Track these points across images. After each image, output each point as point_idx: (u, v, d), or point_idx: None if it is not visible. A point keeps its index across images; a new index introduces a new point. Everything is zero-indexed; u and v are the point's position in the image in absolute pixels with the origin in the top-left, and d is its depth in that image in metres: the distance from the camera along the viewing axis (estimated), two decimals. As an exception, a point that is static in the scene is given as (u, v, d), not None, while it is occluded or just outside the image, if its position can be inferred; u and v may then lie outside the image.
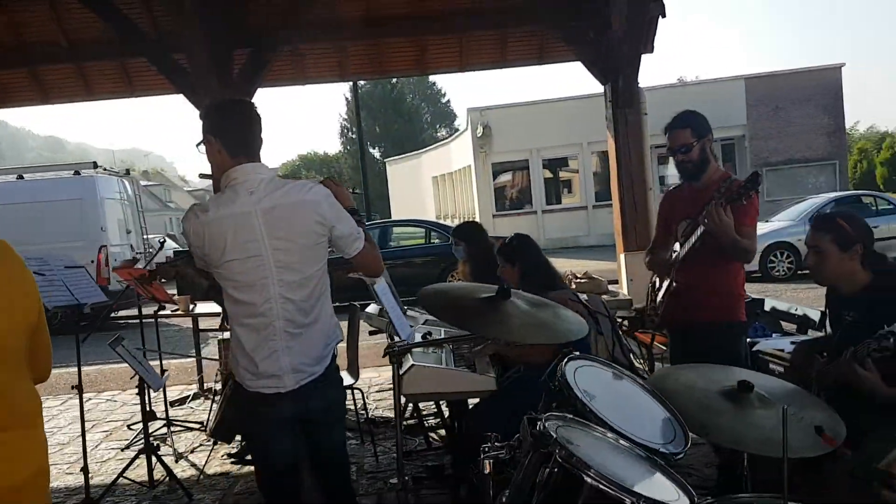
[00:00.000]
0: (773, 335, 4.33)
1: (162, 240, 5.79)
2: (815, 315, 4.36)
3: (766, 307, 5.03)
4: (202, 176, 3.02)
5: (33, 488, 1.78)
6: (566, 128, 22.15)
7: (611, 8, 7.02)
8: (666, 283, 3.57)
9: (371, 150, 46.31)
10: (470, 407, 4.19)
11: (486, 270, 4.99)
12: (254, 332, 2.56)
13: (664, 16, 7.04)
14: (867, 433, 2.39)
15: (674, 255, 3.54)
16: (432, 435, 5.12)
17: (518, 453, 1.85)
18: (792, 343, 3.81)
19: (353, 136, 43.82)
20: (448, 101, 57.23)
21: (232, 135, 2.59)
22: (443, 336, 3.05)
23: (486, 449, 1.92)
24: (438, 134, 50.92)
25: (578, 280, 6.70)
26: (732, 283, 3.49)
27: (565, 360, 2.10)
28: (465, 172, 25.50)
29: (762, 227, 14.16)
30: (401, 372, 3.37)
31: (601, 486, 1.51)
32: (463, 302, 2.31)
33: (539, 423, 1.67)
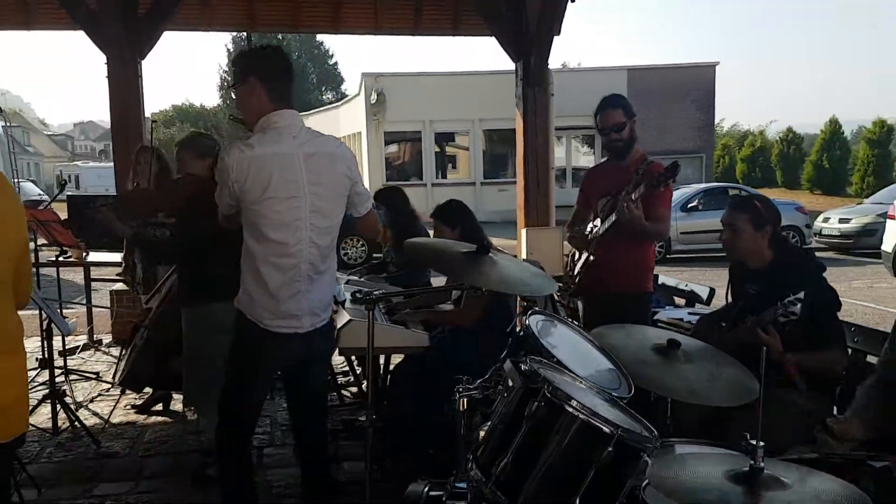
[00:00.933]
0: (667, 307, 4.74)
1: (64, 180, 5.45)
2: (702, 291, 4.80)
3: (659, 282, 5.45)
4: (232, 118, 3.00)
5: (15, 412, 1.79)
6: (460, 103, 22.43)
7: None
8: (584, 256, 3.84)
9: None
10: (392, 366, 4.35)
11: (408, 236, 5.12)
12: (280, 273, 2.63)
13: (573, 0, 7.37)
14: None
15: (593, 231, 3.82)
16: (345, 392, 5.24)
17: (492, 393, 2.02)
18: (690, 314, 4.22)
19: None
20: (336, 63, 56.05)
21: (277, 81, 2.66)
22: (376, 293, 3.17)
23: (461, 389, 2.08)
24: (324, 97, 49.89)
25: (484, 249, 6.96)
26: (644, 258, 3.81)
27: (528, 313, 2.28)
28: (355, 139, 25.28)
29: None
30: (338, 326, 3.49)
31: (582, 417, 1.72)
32: (446, 255, 2.45)
33: (525, 364, 1.85)
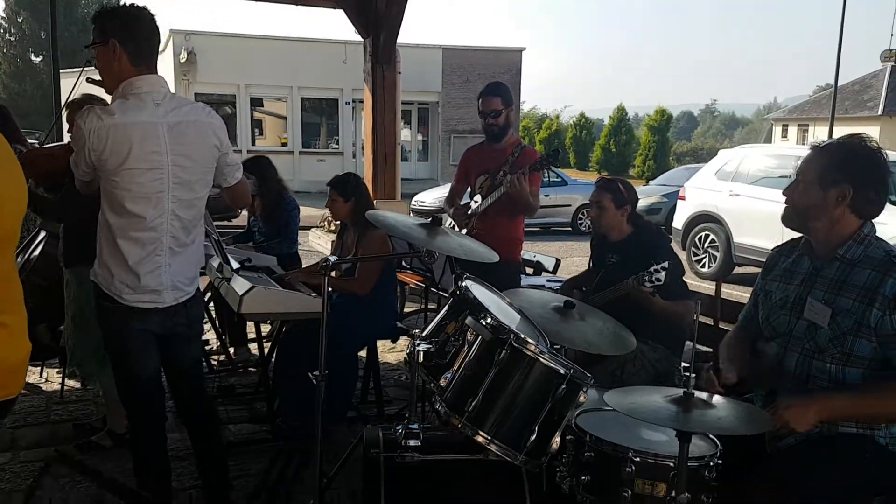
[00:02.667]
0: (523, 276, 5.29)
1: None
2: (549, 262, 5.41)
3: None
4: (91, 81, 2.86)
5: (22, 371, 1.84)
6: (278, 69, 21.97)
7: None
8: (465, 230, 4.24)
9: (34, 57, 40.36)
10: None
11: (275, 204, 5.22)
12: (139, 247, 2.57)
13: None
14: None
15: (474, 206, 4.22)
16: (213, 359, 5.27)
17: (448, 346, 2.34)
18: (550, 281, 4.78)
19: (12, 39, 37.87)
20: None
21: (139, 43, 2.53)
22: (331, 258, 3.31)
23: (417, 343, 2.37)
24: (117, 51, 45.97)
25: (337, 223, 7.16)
26: (517, 231, 4.29)
27: (463, 277, 2.62)
28: (160, 99, 23.79)
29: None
30: (240, 293, 3.60)
31: (543, 360, 2.10)
32: (403, 226, 2.70)
33: (488, 317, 2.19)
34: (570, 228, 15.96)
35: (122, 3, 2.72)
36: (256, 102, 23.93)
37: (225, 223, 8.50)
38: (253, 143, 23.58)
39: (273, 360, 4.40)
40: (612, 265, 3.73)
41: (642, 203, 17.05)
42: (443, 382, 2.24)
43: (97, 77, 2.69)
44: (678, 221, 10.86)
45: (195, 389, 3.02)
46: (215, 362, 5.23)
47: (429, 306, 5.14)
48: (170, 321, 2.72)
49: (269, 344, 4.77)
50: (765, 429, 2.00)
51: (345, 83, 22.71)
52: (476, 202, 4.23)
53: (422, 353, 2.33)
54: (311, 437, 4.03)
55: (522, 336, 2.11)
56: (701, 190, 10.61)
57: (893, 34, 29.70)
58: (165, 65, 22.75)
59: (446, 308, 2.55)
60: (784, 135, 34.36)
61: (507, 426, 2.11)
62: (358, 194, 4.20)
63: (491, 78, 25.37)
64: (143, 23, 2.56)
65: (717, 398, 1.93)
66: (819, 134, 29.95)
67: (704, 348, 4.17)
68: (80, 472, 3.54)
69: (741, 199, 9.78)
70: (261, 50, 22.09)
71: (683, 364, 3.88)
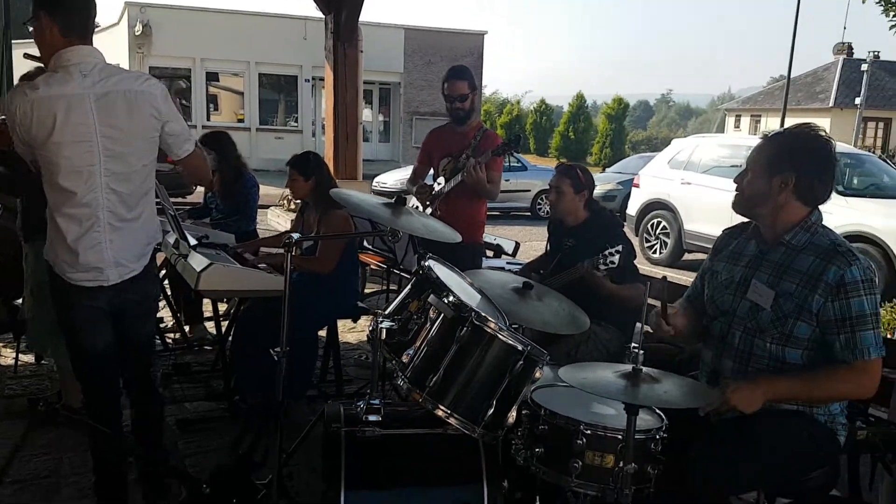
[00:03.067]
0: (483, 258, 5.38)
1: None
2: (508, 245, 5.51)
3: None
4: (28, 56, 2.82)
5: None
6: (235, 43, 21.61)
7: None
8: (429, 211, 4.29)
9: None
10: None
11: (234, 181, 5.20)
12: (76, 223, 2.54)
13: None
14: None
15: (437, 188, 4.28)
16: (168, 337, 5.24)
17: (411, 324, 2.40)
18: (509, 264, 4.87)
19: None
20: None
21: (68, 14, 2.49)
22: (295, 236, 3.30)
23: (381, 321, 2.43)
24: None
25: (298, 201, 7.14)
26: (479, 214, 4.37)
27: (426, 257, 2.67)
28: (112, 71, 23.22)
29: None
30: (198, 269, 3.60)
31: (501, 337, 2.18)
32: (368, 205, 2.74)
33: (450, 296, 2.26)
34: (529, 213, 16.13)
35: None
36: (212, 77, 23.53)
37: (180, 200, 8.43)
38: (208, 119, 23.20)
39: (230, 337, 4.41)
40: (569, 249, 3.82)
41: (598, 190, 17.24)
42: (405, 359, 2.30)
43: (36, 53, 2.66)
44: (632, 208, 11.08)
45: (144, 367, 3.02)
46: (170, 340, 5.20)
47: (390, 287, 5.20)
48: (119, 298, 2.69)
49: (226, 322, 4.76)
50: (708, 402, 2.11)
51: (304, 60, 22.46)
52: (439, 184, 4.29)
53: (384, 330, 2.39)
54: (269, 414, 4.11)
55: (483, 314, 2.18)
56: (654, 178, 10.83)
57: (846, 27, 30.52)
58: (120, 38, 22.24)
59: (409, 287, 2.61)
60: (737, 125, 35.09)
61: (467, 401, 2.19)
62: (318, 173, 4.20)
63: (454, 61, 25.34)
64: None
65: (663, 375, 2.03)
66: (771, 124, 30.67)
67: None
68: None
69: (692, 187, 10.02)
70: (218, 24, 21.69)
71: (633, 344, 4.03)
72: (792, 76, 23.02)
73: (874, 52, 27.97)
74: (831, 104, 29.34)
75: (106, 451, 2.85)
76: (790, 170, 2.26)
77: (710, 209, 9.56)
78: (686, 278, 8.42)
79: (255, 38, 21.78)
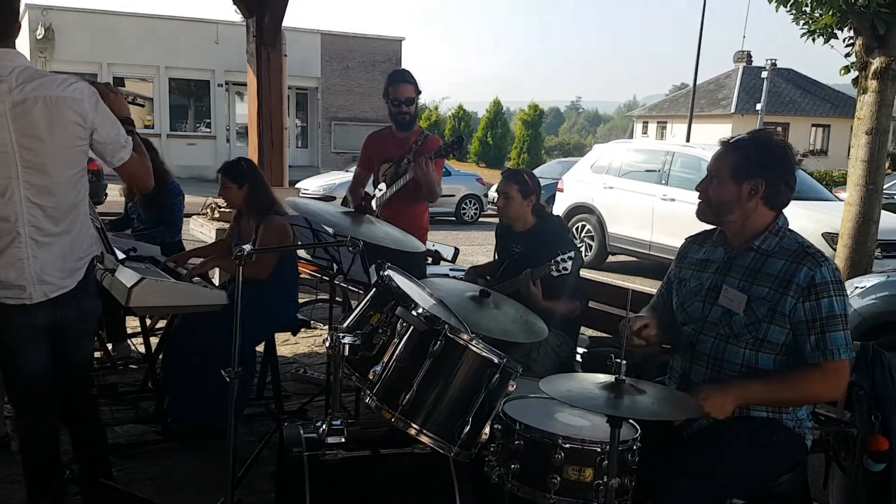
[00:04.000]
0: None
1: None
2: (447, 251, 5.45)
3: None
4: None
5: None
6: (144, 47, 20.79)
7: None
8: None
9: None
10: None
11: (158, 191, 4.91)
12: None
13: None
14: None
15: (378, 194, 4.16)
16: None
17: (376, 338, 2.29)
18: (453, 270, 4.79)
19: None
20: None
21: None
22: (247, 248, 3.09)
23: (342, 336, 2.30)
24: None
25: (222, 209, 6.86)
26: (422, 219, 4.26)
27: (385, 267, 2.56)
28: (10, 76, 21.96)
29: (345, 176, 15.64)
30: (129, 285, 3.37)
31: (477, 350, 2.10)
32: (328, 214, 2.60)
33: (420, 308, 2.15)
34: (454, 218, 16.15)
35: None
36: (118, 83, 22.54)
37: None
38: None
39: (160, 356, 4.16)
40: (517, 255, 3.77)
41: (520, 194, 17.64)
42: (371, 376, 2.18)
43: None
44: (557, 212, 11.21)
45: (83, 388, 2.84)
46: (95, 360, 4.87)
47: (332, 298, 5.03)
48: (57, 314, 2.53)
49: (154, 339, 4.50)
50: (694, 414, 2.08)
51: (217, 64, 21.86)
52: (380, 190, 4.17)
53: (347, 346, 2.26)
54: (204, 436, 3.90)
55: (455, 327, 2.09)
56: (578, 182, 11.02)
57: (745, 36, 32.07)
58: (21, 42, 20.96)
59: (368, 299, 2.49)
60: (644, 131, 36.32)
61: (441, 418, 2.09)
62: (251, 180, 4.02)
63: (372, 66, 25.27)
64: None
65: (645, 385, 1.99)
66: (676, 131, 31.89)
67: (604, 334, 4.34)
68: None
69: (614, 191, 10.24)
70: (126, 27, 20.88)
71: (580, 349, 4.02)
72: (698, 83, 23.97)
73: (771, 59, 29.45)
74: (733, 110, 30.71)
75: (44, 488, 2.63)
76: (759, 176, 2.27)
77: (632, 212, 9.79)
78: (611, 280, 8.56)
79: (165, 43, 21.05)
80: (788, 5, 7.31)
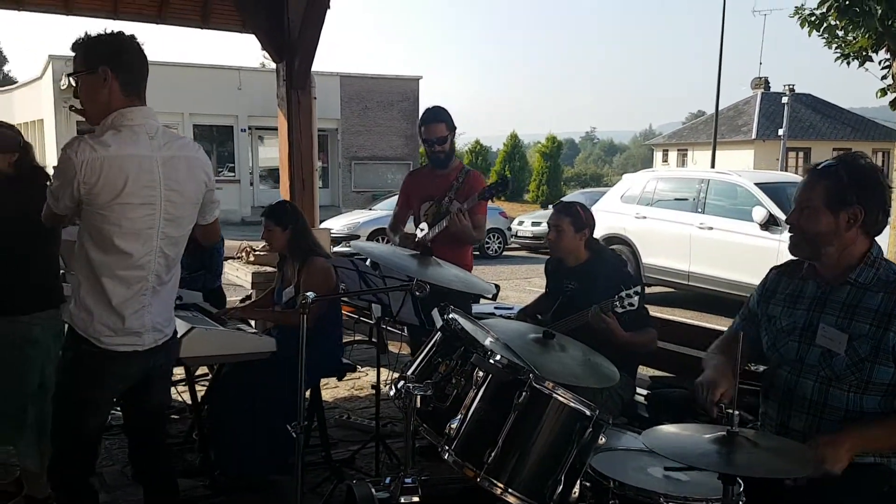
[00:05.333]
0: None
1: None
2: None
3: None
4: (73, 109, 2.58)
5: None
6: (168, 95, 21.05)
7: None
8: None
9: None
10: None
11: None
12: (125, 286, 2.42)
13: (329, 7, 7.50)
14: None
15: (420, 235, 4.04)
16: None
17: (449, 388, 2.15)
18: (497, 308, 4.65)
19: None
20: (-4, 40, 48.91)
21: (131, 72, 2.42)
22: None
23: (410, 387, 2.16)
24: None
25: (258, 252, 6.78)
26: (466, 260, 4.13)
27: (448, 310, 2.43)
28: (35, 127, 22.40)
29: (367, 215, 15.62)
30: (179, 335, 3.26)
31: (566, 400, 1.94)
32: (394, 256, 2.49)
33: (497, 355, 2.01)
34: (477, 252, 16.00)
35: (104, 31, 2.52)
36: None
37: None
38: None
39: (206, 406, 4.03)
40: (571, 292, 3.63)
41: (544, 227, 17.51)
42: (448, 430, 2.03)
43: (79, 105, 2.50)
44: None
45: (158, 439, 2.81)
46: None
47: (357, 338, 4.91)
48: (147, 364, 2.56)
49: (201, 388, 4.38)
50: (814, 471, 1.89)
51: (240, 110, 22.13)
52: (422, 230, 4.05)
53: (419, 396, 2.12)
54: (254, 489, 3.76)
55: (543, 376, 1.94)
56: (608, 213, 10.85)
57: (762, 63, 32.04)
58: (44, 92, 21.47)
59: (434, 344, 2.36)
60: (665, 159, 36.20)
61: (530, 476, 1.93)
62: (294, 222, 3.95)
63: (390, 106, 25.48)
64: (136, 51, 2.46)
65: (761, 437, 1.83)
66: (698, 158, 31.75)
67: (664, 373, 4.17)
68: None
69: (647, 221, 10.07)
70: (150, 75, 21.09)
71: (641, 390, 3.84)
72: (713, 111, 23.89)
73: (789, 85, 29.30)
74: (753, 136, 30.52)
75: None
76: (857, 203, 2.12)
77: (668, 242, 9.60)
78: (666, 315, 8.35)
79: (189, 90, 21.33)
80: (821, 30, 7.22)
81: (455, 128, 4.11)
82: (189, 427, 4.27)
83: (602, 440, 2.02)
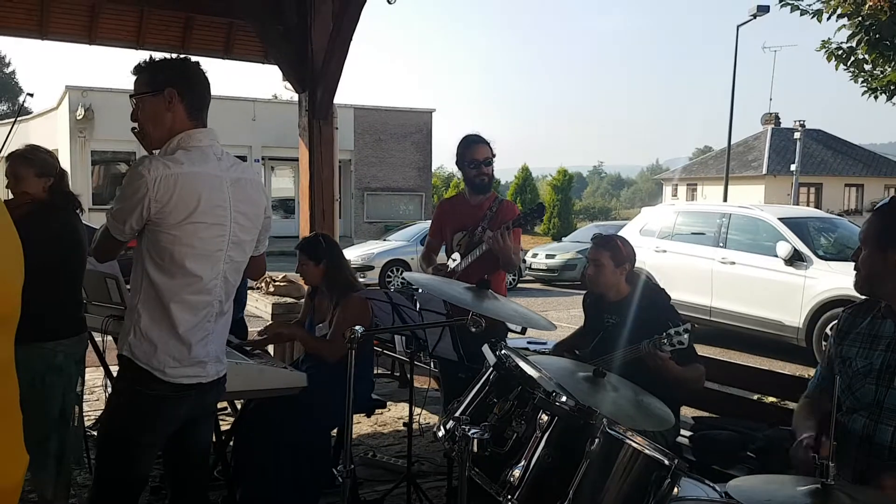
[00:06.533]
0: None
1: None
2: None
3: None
4: (133, 131, 2.49)
5: (18, 492, 1.39)
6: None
7: (314, 19, 7.20)
8: None
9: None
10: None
11: None
12: (192, 312, 2.32)
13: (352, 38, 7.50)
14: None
15: (454, 265, 3.93)
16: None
17: (508, 432, 2.02)
18: (530, 342, 4.52)
19: None
20: (13, 72, 49.66)
21: (198, 96, 2.39)
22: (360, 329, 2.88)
23: (466, 429, 2.03)
24: (-1, 108, 43.82)
25: (277, 283, 6.69)
26: (500, 289, 4.01)
27: (501, 347, 2.31)
28: (50, 156, 22.45)
29: (382, 245, 15.53)
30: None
31: (642, 448, 1.81)
32: (449, 289, 2.38)
33: (563, 396, 1.89)
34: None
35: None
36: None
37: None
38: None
39: (231, 441, 3.90)
40: (611, 327, 3.52)
41: (558, 259, 17.43)
42: (511, 479, 1.90)
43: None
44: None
45: (202, 481, 2.69)
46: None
47: (379, 371, 4.77)
48: (202, 399, 2.45)
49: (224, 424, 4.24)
50: None
51: (253, 140, 22.22)
52: (455, 260, 3.95)
53: (476, 441, 1.99)
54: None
55: (613, 419, 1.82)
56: (627, 246, 10.73)
57: (772, 98, 32.11)
58: (59, 123, 21.63)
59: (487, 383, 2.23)
60: (674, 194, 36.14)
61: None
62: (330, 256, 3.85)
63: (404, 138, 25.60)
64: (201, 76, 2.43)
65: (857, 490, 1.69)
66: (708, 193, 31.68)
67: (706, 413, 4.01)
68: None
69: (667, 255, 9.94)
70: (164, 106, 21.31)
71: (685, 432, 3.69)
72: (723, 146, 23.87)
73: (800, 121, 29.29)
74: (765, 171, 30.46)
75: None
76: None
77: (689, 276, 9.46)
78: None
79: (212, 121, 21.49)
80: (848, 64, 7.16)
81: (495, 154, 4.01)
82: (212, 464, 4.12)
83: (677, 490, 1.89)
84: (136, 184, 2.20)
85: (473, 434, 2.01)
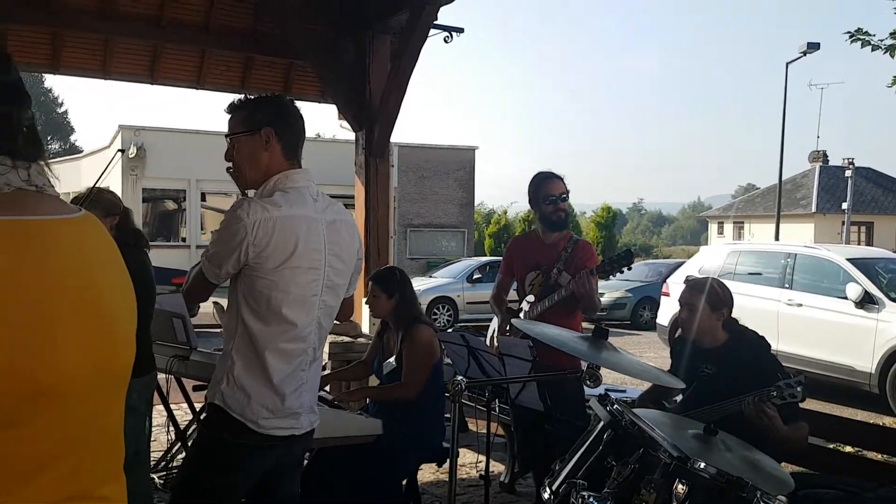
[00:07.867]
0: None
1: None
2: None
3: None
4: (229, 171, 2.45)
5: None
6: (221, 162, 21.62)
7: (372, 59, 7.22)
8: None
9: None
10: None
11: None
12: (286, 361, 2.22)
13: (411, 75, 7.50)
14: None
15: (526, 308, 3.76)
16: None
17: (637, 499, 1.84)
18: (608, 390, 4.29)
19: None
20: (66, 111, 51.42)
21: (294, 135, 2.34)
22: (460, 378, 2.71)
23: (586, 496, 1.86)
24: (51, 146, 45.24)
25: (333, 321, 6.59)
26: (578, 332, 3.84)
27: (611, 401, 2.13)
28: (102, 194, 22.99)
29: (427, 282, 15.42)
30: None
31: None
32: (562, 337, 2.24)
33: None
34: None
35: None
36: (201, 198, 23.44)
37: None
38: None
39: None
40: (706, 377, 3.30)
41: (607, 298, 17.05)
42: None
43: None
44: (663, 317, 10.63)
45: None
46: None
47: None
48: (290, 450, 2.33)
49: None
50: None
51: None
52: (528, 302, 3.78)
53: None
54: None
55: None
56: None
57: (819, 136, 31.57)
58: (107, 159, 22.15)
59: (600, 442, 2.06)
60: (720, 231, 35.57)
61: None
62: (402, 290, 3.72)
63: (447, 175, 25.68)
64: (297, 115, 2.38)
65: None
66: (755, 230, 31.07)
67: (801, 469, 3.75)
68: None
69: (729, 295, 9.60)
70: (213, 145, 21.70)
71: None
72: (770, 184, 23.45)
73: (849, 159, 28.68)
74: (814, 210, 29.84)
75: None
76: None
77: (752, 318, 9.02)
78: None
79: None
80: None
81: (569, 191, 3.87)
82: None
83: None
84: (234, 227, 2.13)
85: (595, 502, 1.84)
